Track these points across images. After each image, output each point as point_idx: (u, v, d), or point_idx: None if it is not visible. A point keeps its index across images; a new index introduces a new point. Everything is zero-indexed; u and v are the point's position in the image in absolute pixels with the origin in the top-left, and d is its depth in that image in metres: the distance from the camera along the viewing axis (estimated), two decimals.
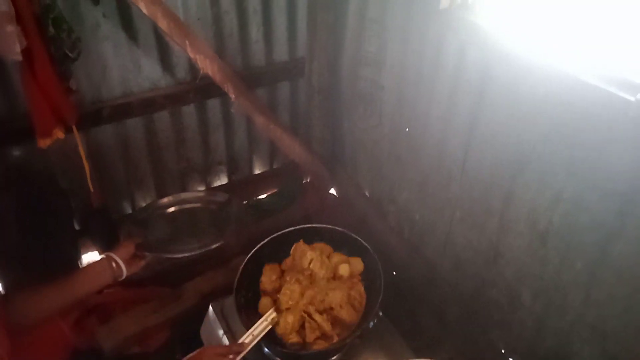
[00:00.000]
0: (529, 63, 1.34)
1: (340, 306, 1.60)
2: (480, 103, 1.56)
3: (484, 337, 1.83)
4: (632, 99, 1.10)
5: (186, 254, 1.82)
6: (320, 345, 1.57)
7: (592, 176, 1.28)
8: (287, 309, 1.61)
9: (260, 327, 1.57)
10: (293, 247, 1.81)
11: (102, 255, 1.59)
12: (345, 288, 1.65)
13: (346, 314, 1.59)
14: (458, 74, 1.61)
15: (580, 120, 1.25)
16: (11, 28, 1.46)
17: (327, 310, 1.60)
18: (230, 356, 1.45)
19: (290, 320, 1.58)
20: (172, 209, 2.10)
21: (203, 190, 2.43)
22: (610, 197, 1.25)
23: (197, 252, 1.82)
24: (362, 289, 1.70)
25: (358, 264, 1.76)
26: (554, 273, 1.48)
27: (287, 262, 1.79)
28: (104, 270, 1.55)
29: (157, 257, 1.79)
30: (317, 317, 1.58)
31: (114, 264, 1.57)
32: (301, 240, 1.80)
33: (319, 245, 1.82)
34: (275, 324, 1.60)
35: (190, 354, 1.42)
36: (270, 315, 1.61)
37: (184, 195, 2.16)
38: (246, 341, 1.52)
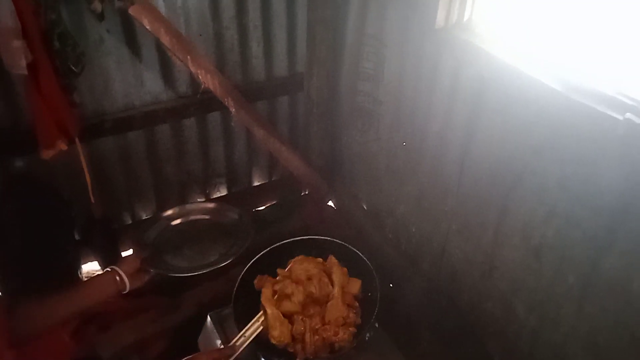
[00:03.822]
0: (522, 81, 1.37)
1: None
2: (475, 119, 1.59)
3: (480, 349, 1.84)
4: (620, 117, 1.14)
5: (192, 274, 1.82)
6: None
7: (583, 192, 1.31)
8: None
9: (252, 329, 1.58)
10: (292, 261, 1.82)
11: (107, 269, 1.61)
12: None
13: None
14: (454, 90, 1.64)
15: (571, 137, 1.29)
16: (17, 43, 1.50)
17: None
18: None
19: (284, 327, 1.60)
20: (179, 221, 2.08)
21: (213, 201, 2.41)
22: (601, 213, 1.28)
23: (203, 271, 1.83)
24: (356, 305, 1.72)
25: (354, 286, 1.77)
26: (547, 286, 1.50)
27: (282, 273, 1.80)
28: (108, 284, 1.57)
29: (161, 273, 1.79)
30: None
31: (118, 278, 1.59)
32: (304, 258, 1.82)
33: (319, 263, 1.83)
34: (269, 332, 1.61)
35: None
36: (260, 317, 1.62)
37: (192, 207, 2.14)
38: (237, 343, 1.53)
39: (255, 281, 1.76)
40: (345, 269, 1.78)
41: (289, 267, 1.80)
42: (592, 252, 1.33)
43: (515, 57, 1.42)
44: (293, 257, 1.84)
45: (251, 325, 1.60)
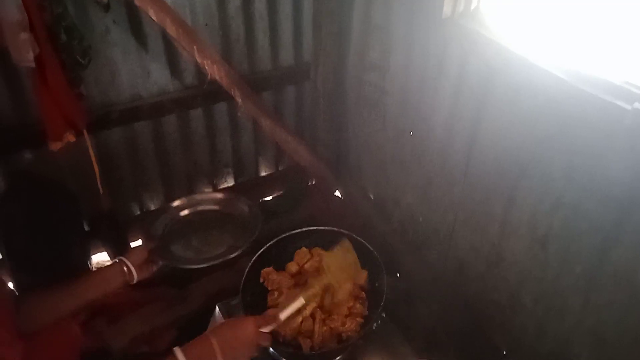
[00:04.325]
0: (529, 71, 1.36)
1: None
2: (482, 109, 1.58)
3: (486, 339, 1.85)
4: (628, 107, 1.13)
5: (200, 265, 1.83)
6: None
7: (590, 182, 1.30)
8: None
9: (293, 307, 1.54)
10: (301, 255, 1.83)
11: (115, 260, 1.62)
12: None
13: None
14: (460, 80, 1.63)
15: (578, 127, 1.28)
16: (24, 35, 1.50)
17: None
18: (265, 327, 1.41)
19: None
20: (187, 212, 2.08)
21: (222, 192, 2.42)
22: (609, 203, 1.27)
23: (211, 263, 1.83)
24: (362, 296, 1.72)
25: (360, 276, 1.75)
26: (554, 277, 1.50)
27: (291, 266, 1.81)
28: (116, 275, 1.58)
29: (169, 265, 1.79)
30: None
31: (125, 269, 1.60)
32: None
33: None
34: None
35: (229, 321, 1.42)
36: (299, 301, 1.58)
37: (200, 197, 2.14)
38: (281, 316, 1.46)
39: (262, 277, 1.77)
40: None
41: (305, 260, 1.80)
42: (599, 243, 1.33)
43: (523, 46, 1.41)
44: (300, 248, 1.85)
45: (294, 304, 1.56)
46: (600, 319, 1.40)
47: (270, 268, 1.78)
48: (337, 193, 2.60)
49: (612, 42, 1.25)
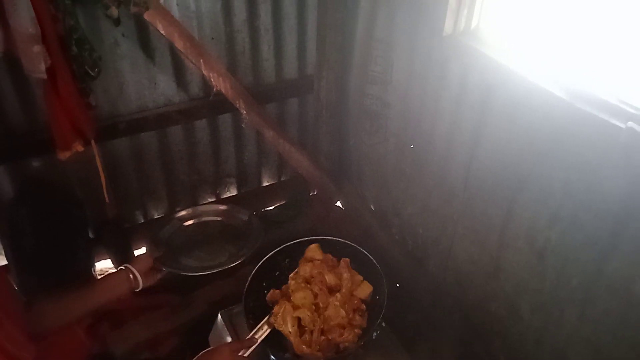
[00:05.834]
0: (527, 88, 1.40)
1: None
2: (482, 124, 1.62)
3: (485, 348, 1.87)
4: (622, 126, 1.16)
5: (203, 273, 1.87)
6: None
7: (587, 197, 1.33)
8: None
9: (266, 326, 1.64)
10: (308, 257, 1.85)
11: (121, 267, 1.66)
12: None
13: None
14: (461, 95, 1.67)
15: (575, 144, 1.31)
16: (37, 48, 1.54)
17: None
18: (242, 351, 1.51)
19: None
20: (191, 222, 2.13)
21: (224, 203, 2.46)
22: (605, 218, 1.30)
23: (214, 270, 1.87)
24: (363, 308, 1.74)
25: (364, 291, 1.77)
26: (551, 289, 1.53)
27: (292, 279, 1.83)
28: (122, 282, 1.61)
29: (173, 272, 1.83)
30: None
31: (131, 276, 1.63)
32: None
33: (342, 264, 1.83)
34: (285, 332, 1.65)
35: (206, 351, 1.48)
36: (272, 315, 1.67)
37: (204, 208, 2.19)
38: (256, 336, 1.59)
39: (267, 296, 1.79)
40: (359, 277, 1.80)
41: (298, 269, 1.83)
42: (595, 256, 1.36)
43: (521, 64, 1.44)
44: (301, 257, 1.87)
45: (266, 320, 1.65)
46: (596, 329, 1.42)
47: (278, 291, 1.79)
48: (339, 203, 2.63)
49: (608, 61, 1.29)
